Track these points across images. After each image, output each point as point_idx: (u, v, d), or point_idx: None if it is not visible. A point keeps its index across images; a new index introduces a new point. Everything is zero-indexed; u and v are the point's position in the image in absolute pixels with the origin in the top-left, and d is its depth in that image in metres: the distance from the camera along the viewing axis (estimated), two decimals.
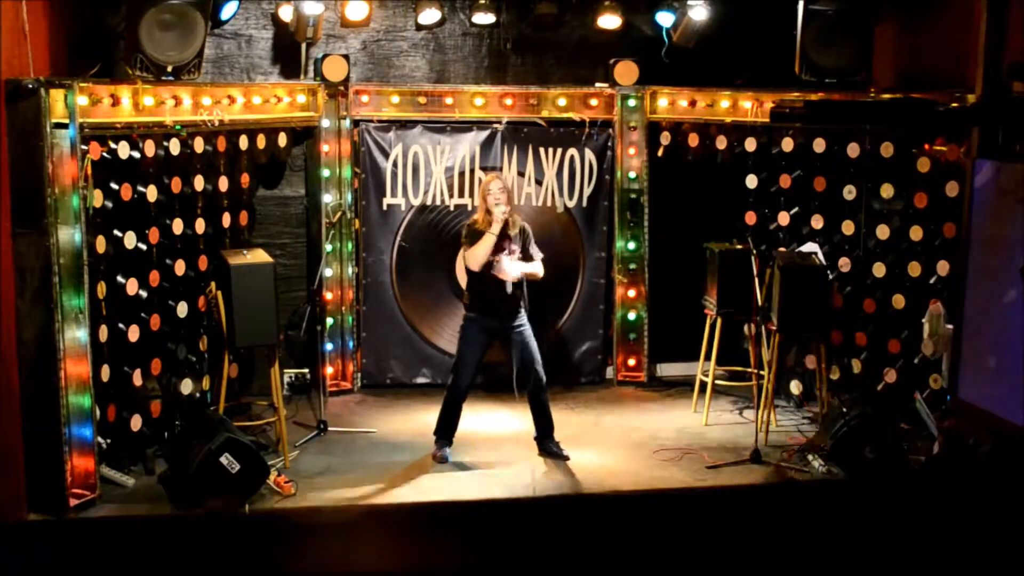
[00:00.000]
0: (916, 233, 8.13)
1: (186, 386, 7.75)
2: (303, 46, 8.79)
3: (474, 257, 7.38)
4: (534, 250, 7.55)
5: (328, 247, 8.68)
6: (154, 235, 7.44)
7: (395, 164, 8.95)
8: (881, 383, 8.25)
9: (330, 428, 8.08)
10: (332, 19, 8.85)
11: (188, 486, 6.69)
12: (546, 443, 7.67)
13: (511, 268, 7.40)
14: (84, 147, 6.71)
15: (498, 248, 7.37)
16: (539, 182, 9.12)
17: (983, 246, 7.44)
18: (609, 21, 8.99)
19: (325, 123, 8.73)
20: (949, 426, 7.09)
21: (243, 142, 8.15)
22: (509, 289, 7.39)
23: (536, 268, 7.51)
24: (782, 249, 8.56)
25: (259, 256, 7.82)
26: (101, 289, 6.98)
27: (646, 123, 9.11)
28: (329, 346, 8.88)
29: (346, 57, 8.71)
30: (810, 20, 8.21)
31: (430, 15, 8.82)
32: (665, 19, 9.02)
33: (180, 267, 7.68)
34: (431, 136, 8.98)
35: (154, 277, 7.45)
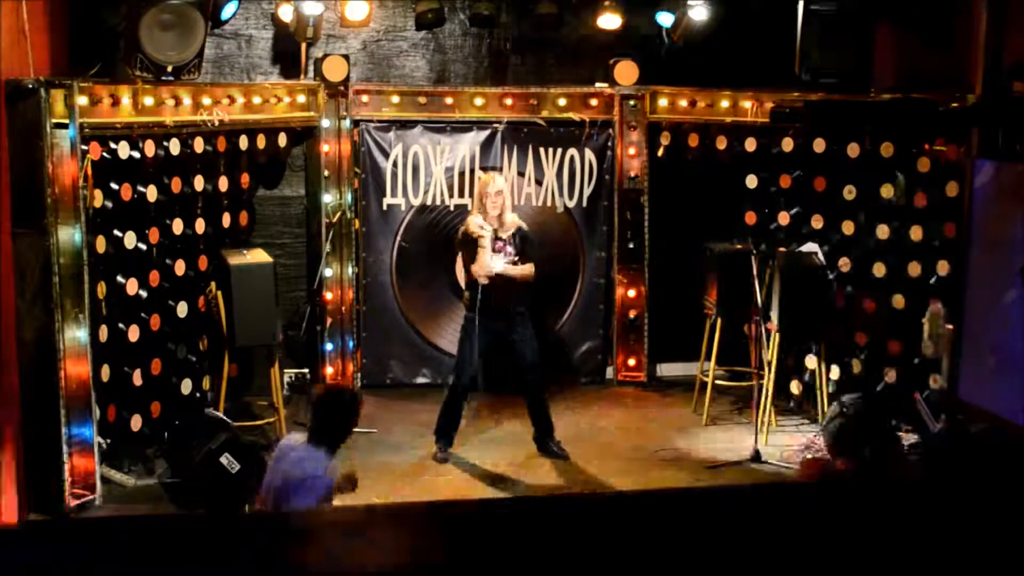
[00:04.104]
0: (916, 233, 8.13)
1: (186, 386, 7.75)
2: (303, 46, 8.79)
3: (480, 269, 7.35)
4: (529, 253, 7.52)
5: (328, 247, 8.68)
6: (154, 235, 7.44)
7: (395, 164, 8.95)
8: (881, 383, 8.25)
9: None
10: (332, 19, 8.85)
11: (188, 486, 6.69)
12: (546, 443, 7.67)
13: (492, 265, 7.33)
14: (84, 147, 6.72)
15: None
16: (539, 182, 9.12)
17: (983, 246, 7.45)
18: (609, 21, 8.99)
19: (325, 123, 8.73)
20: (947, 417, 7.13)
21: (243, 142, 8.15)
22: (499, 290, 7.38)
23: (521, 270, 7.42)
24: (782, 249, 8.56)
25: (259, 256, 7.83)
26: (101, 289, 6.98)
27: (646, 123, 9.11)
28: (329, 346, 8.88)
29: (346, 57, 8.71)
30: (810, 20, 8.21)
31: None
32: (665, 19, 9.02)
33: (180, 267, 7.68)
34: (431, 136, 8.97)
35: (154, 277, 7.45)
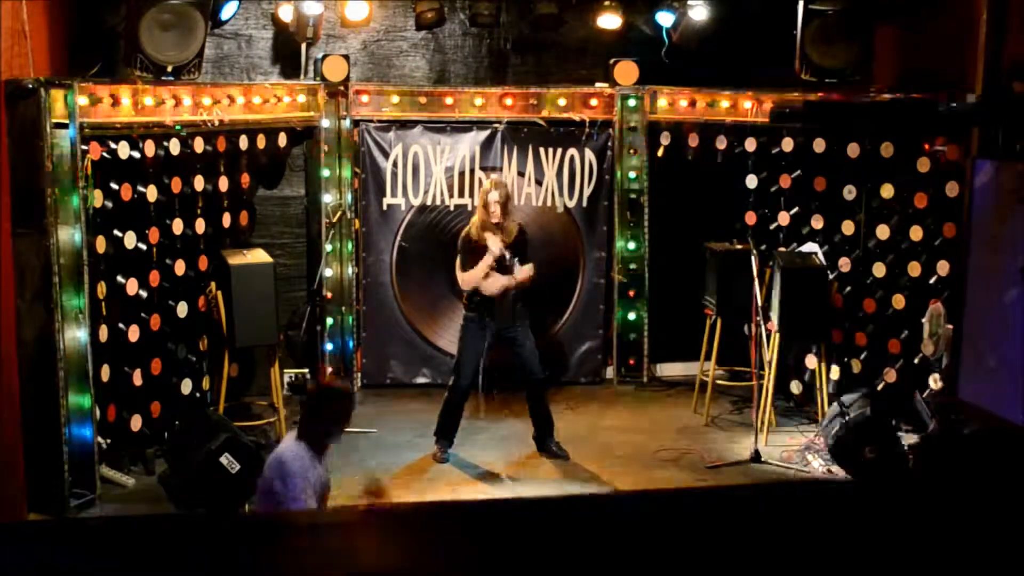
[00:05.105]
0: (916, 233, 8.13)
1: (186, 386, 7.75)
2: (303, 46, 8.79)
3: (467, 281, 7.39)
4: (527, 255, 7.55)
5: (328, 247, 8.68)
6: (154, 235, 7.44)
7: (395, 164, 8.95)
8: (881, 383, 8.25)
9: None
10: (332, 19, 8.86)
11: (188, 486, 6.69)
12: (546, 443, 7.67)
13: (493, 286, 7.36)
14: (84, 147, 6.71)
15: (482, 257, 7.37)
16: (539, 182, 9.12)
17: (983, 246, 7.44)
18: (609, 21, 9.00)
19: (325, 123, 8.73)
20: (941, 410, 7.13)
21: (243, 142, 8.15)
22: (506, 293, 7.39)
23: (524, 275, 7.44)
24: (782, 249, 8.56)
25: (259, 256, 7.83)
26: (101, 289, 6.98)
27: (646, 123, 9.11)
28: (329, 346, 8.88)
29: (346, 57, 8.71)
30: (810, 20, 8.21)
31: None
32: (665, 19, 9.03)
33: (180, 267, 7.68)
34: (431, 136, 8.97)
35: (154, 277, 7.45)
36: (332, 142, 8.77)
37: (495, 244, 7.29)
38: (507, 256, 7.37)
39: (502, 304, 7.39)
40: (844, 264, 8.46)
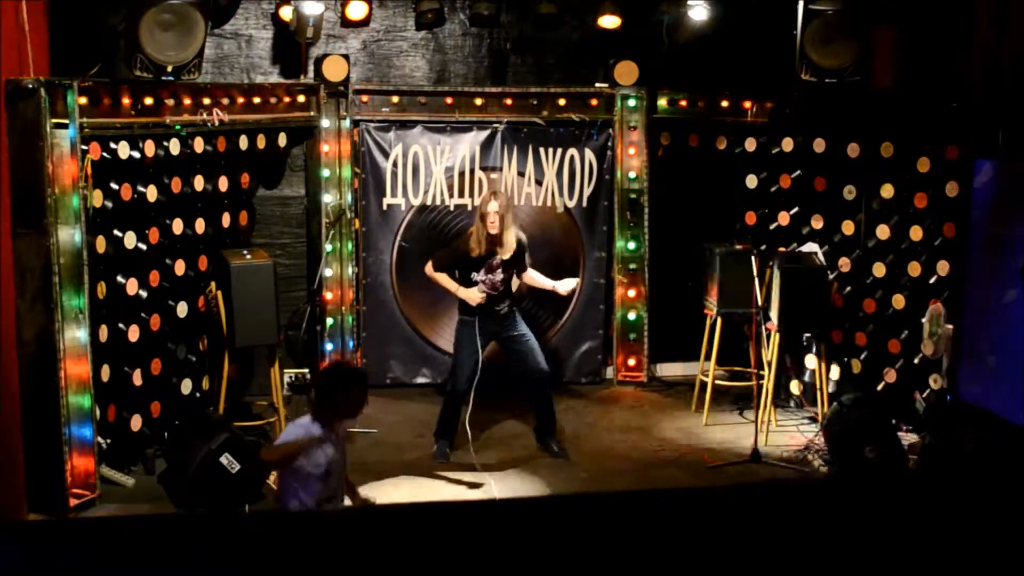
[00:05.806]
0: (916, 233, 8.12)
1: (186, 386, 7.75)
2: (303, 46, 8.79)
3: (429, 276, 7.55)
4: (527, 260, 7.57)
5: (328, 247, 8.68)
6: (154, 235, 7.45)
7: (395, 164, 8.95)
8: (881, 383, 8.25)
9: None
10: (332, 19, 8.85)
11: (188, 486, 6.68)
12: (547, 442, 7.67)
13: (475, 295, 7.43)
14: (84, 147, 6.72)
15: (480, 268, 7.38)
16: (539, 182, 9.12)
17: (983, 246, 7.44)
18: (609, 21, 8.99)
19: (325, 123, 8.73)
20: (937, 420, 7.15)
21: (243, 142, 8.15)
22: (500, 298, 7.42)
23: (565, 290, 7.60)
24: (782, 249, 8.56)
25: (259, 256, 7.83)
26: (101, 289, 6.99)
27: (646, 123, 9.12)
28: (329, 346, 8.88)
29: (346, 57, 8.71)
30: (809, 20, 8.21)
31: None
32: (665, 19, 9.03)
33: (180, 267, 7.68)
34: (431, 136, 8.97)
35: (154, 277, 7.45)
36: (332, 142, 8.77)
37: (477, 297, 7.35)
38: (497, 264, 7.38)
39: (498, 306, 7.40)
40: (844, 264, 8.45)
